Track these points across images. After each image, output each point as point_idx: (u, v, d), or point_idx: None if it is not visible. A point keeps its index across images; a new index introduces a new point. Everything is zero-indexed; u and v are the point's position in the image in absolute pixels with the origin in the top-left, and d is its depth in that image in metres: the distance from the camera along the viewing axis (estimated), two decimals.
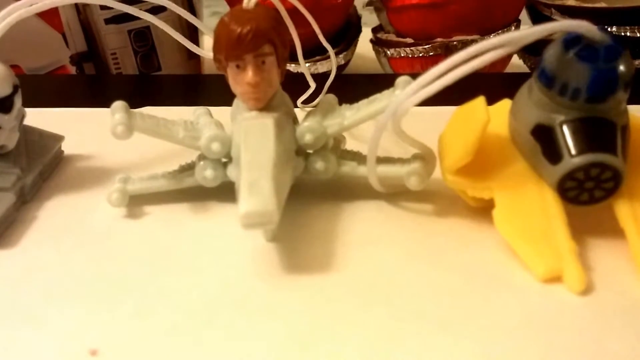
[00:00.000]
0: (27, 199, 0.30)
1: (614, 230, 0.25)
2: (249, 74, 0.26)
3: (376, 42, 0.53)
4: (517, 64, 0.52)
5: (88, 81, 0.50)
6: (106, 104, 0.28)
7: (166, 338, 0.22)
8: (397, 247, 0.26)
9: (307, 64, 0.48)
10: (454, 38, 0.48)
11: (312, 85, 0.37)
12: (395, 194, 0.29)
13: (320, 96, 0.33)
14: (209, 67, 0.50)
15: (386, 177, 0.28)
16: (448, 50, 0.47)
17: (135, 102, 0.30)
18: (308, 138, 0.28)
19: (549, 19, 0.47)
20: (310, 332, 0.22)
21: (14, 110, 0.29)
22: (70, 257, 0.26)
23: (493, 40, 0.22)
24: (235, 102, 0.28)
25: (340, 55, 0.50)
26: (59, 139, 0.34)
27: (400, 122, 0.25)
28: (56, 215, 0.29)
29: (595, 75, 0.23)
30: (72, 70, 0.52)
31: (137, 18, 0.33)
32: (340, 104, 0.29)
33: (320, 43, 0.35)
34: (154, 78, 0.49)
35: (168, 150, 0.31)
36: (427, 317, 0.22)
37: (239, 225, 0.23)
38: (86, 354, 0.21)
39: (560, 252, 0.23)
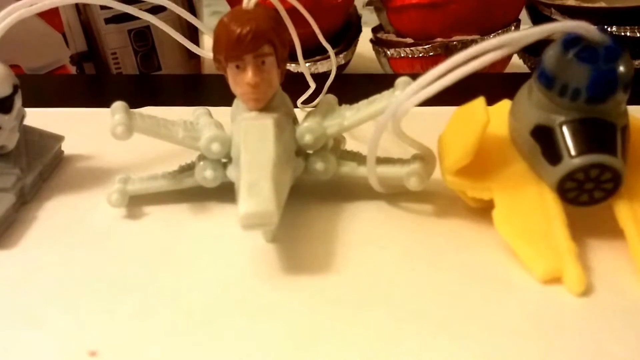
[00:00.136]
0: (27, 199, 0.30)
1: (614, 231, 0.24)
2: (249, 75, 0.26)
3: (376, 42, 0.53)
4: (517, 64, 0.52)
5: (88, 81, 0.50)
6: (106, 103, 0.28)
7: (166, 338, 0.22)
8: (397, 247, 0.26)
9: (307, 64, 0.48)
10: (454, 38, 0.48)
11: (312, 85, 0.37)
12: (395, 194, 0.29)
13: (320, 96, 0.33)
14: (209, 66, 0.50)
15: (386, 177, 0.28)
16: (448, 50, 0.47)
17: (135, 102, 0.30)
18: (308, 138, 0.28)
19: (548, 18, 0.47)
20: (310, 332, 0.22)
21: (14, 111, 0.29)
22: (70, 257, 0.26)
23: (492, 41, 0.22)
24: (235, 102, 0.28)
25: (341, 55, 0.50)
26: (59, 139, 0.34)
27: (400, 123, 0.25)
28: (56, 216, 0.29)
29: (595, 76, 0.23)
30: (72, 70, 0.52)
31: (138, 18, 0.33)
32: (340, 104, 0.29)
33: (321, 43, 0.35)
34: (154, 78, 0.49)
35: (168, 150, 0.31)
36: (426, 317, 0.22)
37: (239, 226, 0.23)
38: (86, 355, 0.21)
39: (560, 252, 0.23)
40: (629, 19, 0.45)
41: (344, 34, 0.52)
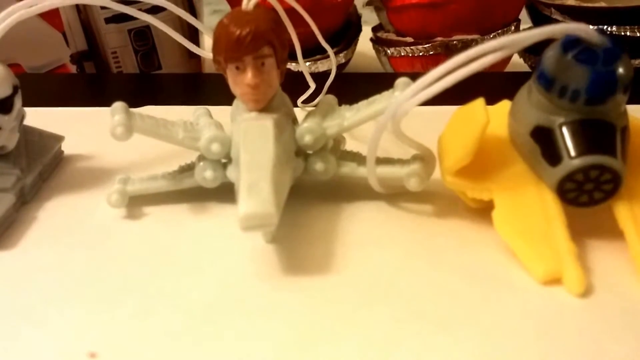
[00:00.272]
0: (27, 199, 0.30)
1: (614, 232, 0.25)
2: (249, 76, 0.26)
3: (376, 41, 0.53)
4: (517, 62, 0.52)
5: (88, 80, 0.50)
6: (106, 103, 0.28)
7: (166, 338, 0.22)
8: (397, 247, 0.26)
9: (308, 63, 0.48)
10: (454, 37, 0.48)
11: (312, 85, 0.37)
12: (395, 194, 0.29)
13: (321, 96, 0.33)
14: (210, 66, 0.50)
15: (386, 178, 0.28)
16: (448, 49, 0.47)
17: (135, 101, 0.30)
18: (307, 139, 0.28)
19: (548, 18, 0.47)
20: (310, 332, 0.22)
21: (14, 111, 0.29)
22: (70, 257, 0.26)
23: (492, 42, 0.22)
24: (235, 102, 0.28)
25: (341, 54, 0.50)
26: (59, 139, 0.34)
27: (399, 123, 0.25)
28: (56, 216, 0.29)
29: (595, 77, 0.23)
30: (73, 69, 0.52)
31: (138, 17, 0.33)
32: (340, 102, 0.29)
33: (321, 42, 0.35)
34: (154, 77, 0.49)
35: (168, 150, 0.31)
36: (426, 318, 0.22)
37: (239, 227, 0.23)
38: (85, 356, 0.21)
39: (559, 253, 0.23)
40: (629, 19, 0.45)
41: (344, 33, 0.52)
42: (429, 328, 0.22)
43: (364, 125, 0.28)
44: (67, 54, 0.51)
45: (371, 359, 0.21)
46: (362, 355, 0.21)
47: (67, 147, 0.34)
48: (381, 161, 0.28)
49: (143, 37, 0.49)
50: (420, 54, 0.48)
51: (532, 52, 0.49)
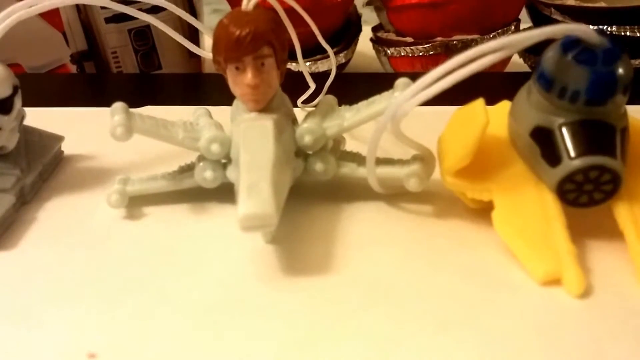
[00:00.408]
0: (27, 199, 0.30)
1: (613, 233, 0.25)
2: (248, 76, 0.26)
3: (376, 41, 0.53)
4: (517, 62, 0.52)
5: (88, 80, 0.50)
6: (106, 103, 0.28)
7: (166, 339, 0.22)
8: (397, 247, 0.26)
9: (308, 63, 0.48)
10: (454, 37, 0.48)
11: (312, 85, 0.37)
12: (395, 195, 0.29)
13: (321, 96, 0.33)
14: (210, 65, 0.50)
15: (385, 178, 0.28)
16: (448, 49, 0.47)
17: (135, 100, 0.30)
18: (307, 139, 0.28)
19: (548, 18, 0.47)
20: (310, 332, 0.22)
21: (14, 111, 0.29)
22: (70, 258, 0.26)
23: (492, 43, 0.22)
24: (235, 103, 0.28)
25: (341, 54, 0.50)
26: (59, 139, 0.34)
27: (399, 124, 0.25)
28: (56, 216, 0.29)
29: (594, 78, 0.23)
30: (73, 69, 0.52)
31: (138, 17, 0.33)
32: (340, 103, 0.29)
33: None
34: (154, 77, 0.49)
35: (167, 151, 0.31)
36: (426, 318, 0.22)
37: (238, 227, 0.23)
38: (85, 357, 0.21)
39: (559, 254, 0.23)
40: (629, 19, 0.45)
41: (344, 33, 0.52)
42: (429, 328, 0.22)
43: (364, 126, 0.28)
44: (67, 54, 0.51)
45: (371, 359, 0.21)
46: (362, 355, 0.21)
47: (67, 147, 0.34)
48: (381, 161, 0.28)
49: (143, 37, 0.49)
50: (420, 54, 0.48)
51: (532, 52, 0.49)
